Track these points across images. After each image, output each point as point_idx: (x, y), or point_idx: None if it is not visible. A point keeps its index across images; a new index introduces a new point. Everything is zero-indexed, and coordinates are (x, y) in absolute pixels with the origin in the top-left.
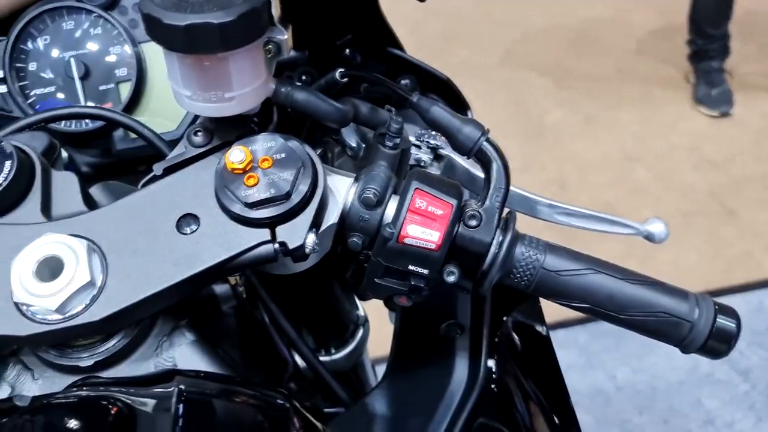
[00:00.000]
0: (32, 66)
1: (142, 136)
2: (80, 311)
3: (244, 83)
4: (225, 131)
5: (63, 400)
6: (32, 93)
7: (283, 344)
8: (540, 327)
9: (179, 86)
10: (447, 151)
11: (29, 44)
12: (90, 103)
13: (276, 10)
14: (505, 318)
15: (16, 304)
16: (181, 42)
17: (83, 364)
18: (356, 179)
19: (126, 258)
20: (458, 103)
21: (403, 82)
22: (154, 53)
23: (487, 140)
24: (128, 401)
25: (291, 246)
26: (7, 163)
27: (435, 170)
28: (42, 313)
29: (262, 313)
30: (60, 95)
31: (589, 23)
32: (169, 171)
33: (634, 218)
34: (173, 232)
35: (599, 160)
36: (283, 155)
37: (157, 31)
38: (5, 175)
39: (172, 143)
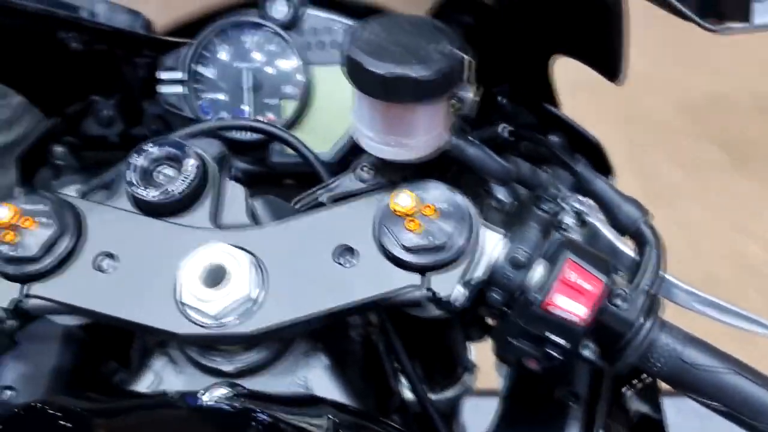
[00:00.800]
0: (209, 72)
1: (303, 157)
2: (235, 321)
3: (424, 133)
4: (392, 171)
5: (213, 405)
6: (204, 96)
7: (394, 376)
8: (654, 404)
9: (363, 126)
10: (592, 218)
11: (210, 52)
12: (255, 115)
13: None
14: (622, 390)
15: (178, 303)
16: (378, 89)
17: (225, 368)
18: (506, 237)
19: (284, 278)
20: (604, 167)
21: (551, 137)
22: (321, 76)
23: (646, 222)
24: (278, 420)
25: (440, 295)
26: (191, 169)
27: (577, 235)
28: (200, 316)
29: (378, 342)
30: (228, 102)
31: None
32: (334, 201)
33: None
34: (330, 261)
35: (710, 228)
36: (446, 206)
37: (358, 75)
38: (188, 181)
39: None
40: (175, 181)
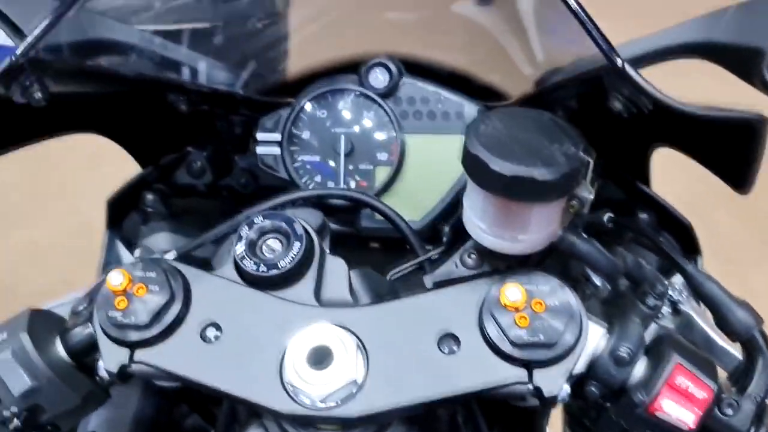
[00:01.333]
0: (305, 134)
1: (398, 229)
2: (339, 404)
3: (538, 230)
4: (498, 260)
5: None
6: (298, 158)
7: None
8: None
9: (475, 216)
10: (687, 307)
11: (307, 115)
12: (347, 179)
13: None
14: None
15: (283, 380)
16: (499, 187)
17: None
18: (609, 331)
19: (387, 362)
20: (692, 247)
21: (641, 216)
22: (414, 145)
23: (760, 331)
24: None
25: (546, 393)
26: (297, 245)
27: (668, 323)
28: (304, 396)
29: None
30: (322, 165)
31: None
32: (437, 285)
33: None
34: (433, 348)
35: None
36: (555, 302)
37: (478, 171)
38: (297, 258)
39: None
40: (284, 257)
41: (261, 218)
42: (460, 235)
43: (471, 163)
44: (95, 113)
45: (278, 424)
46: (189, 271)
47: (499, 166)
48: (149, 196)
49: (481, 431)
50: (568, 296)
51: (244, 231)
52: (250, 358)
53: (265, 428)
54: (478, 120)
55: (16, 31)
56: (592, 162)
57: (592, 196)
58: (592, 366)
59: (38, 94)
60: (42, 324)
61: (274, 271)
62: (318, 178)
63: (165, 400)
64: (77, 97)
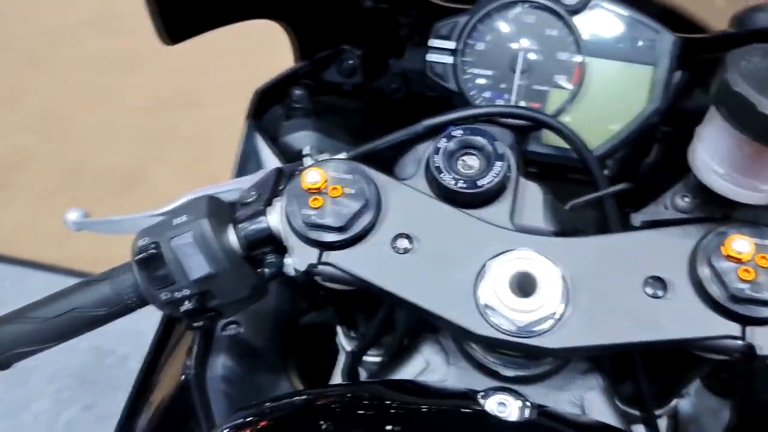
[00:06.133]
0: (480, 46)
1: (582, 158)
2: (539, 334)
3: None
4: (717, 206)
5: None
6: (470, 71)
7: None
8: None
9: (714, 160)
10: None
11: (487, 25)
12: (518, 100)
13: None
14: None
15: (478, 302)
16: (764, 133)
17: (503, 372)
18: None
19: (590, 298)
20: None
21: None
22: (598, 71)
23: None
24: None
25: (760, 352)
26: (499, 164)
27: None
28: (503, 321)
29: None
30: (493, 81)
31: None
32: (646, 226)
33: None
34: (638, 290)
35: None
36: None
37: (743, 113)
38: (499, 177)
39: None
40: (484, 175)
41: (461, 132)
42: (626, 170)
43: (732, 102)
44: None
45: (459, 345)
46: (380, 178)
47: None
48: (297, 91)
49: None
50: None
51: (443, 143)
52: (443, 274)
53: (441, 344)
54: (738, 55)
55: None
56: None
57: None
58: None
59: None
60: (217, 212)
61: (474, 189)
62: (487, 94)
63: (302, 299)
64: None
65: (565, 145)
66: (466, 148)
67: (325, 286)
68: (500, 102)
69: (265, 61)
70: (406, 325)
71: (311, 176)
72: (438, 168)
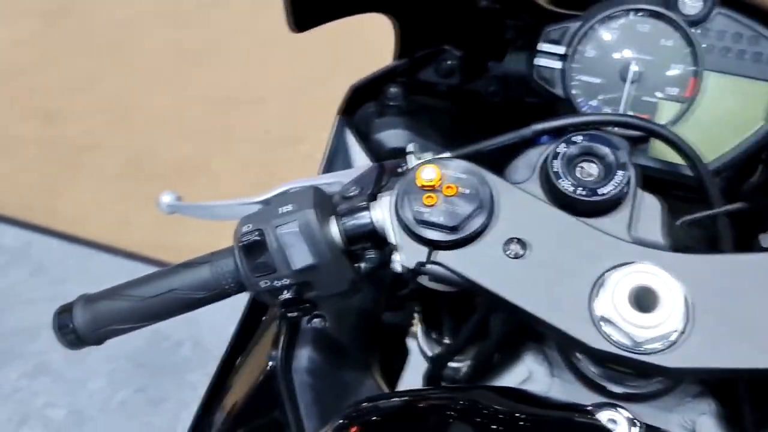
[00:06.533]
0: (591, 53)
1: (698, 174)
2: (657, 352)
3: None
4: None
5: None
6: (578, 77)
7: None
8: None
9: None
10: None
11: (599, 32)
12: (626, 110)
13: None
14: None
15: (593, 314)
16: None
17: (612, 389)
18: None
19: (712, 319)
20: None
21: None
22: (715, 85)
23: None
24: None
25: None
26: (621, 173)
27: None
28: (620, 336)
29: None
30: (601, 89)
31: None
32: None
33: None
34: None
35: None
36: None
37: None
38: (619, 186)
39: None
40: (605, 184)
41: (581, 138)
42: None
43: None
44: None
45: (565, 357)
46: (494, 180)
47: None
48: (393, 89)
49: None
50: None
51: (562, 148)
52: (558, 283)
53: (545, 354)
54: None
55: None
56: None
57: None
58: None
59: None
60: (322, 203)
61: (594, 198)
62: (594, 102)
63: (382, 297)
64: None
65: (673, 159)
66: (587, 155)
67: (420, 286)
68: (607, 111)
69: (329, 64)
70: (501, 332)
71: (427, 173)
72: (557, 173)
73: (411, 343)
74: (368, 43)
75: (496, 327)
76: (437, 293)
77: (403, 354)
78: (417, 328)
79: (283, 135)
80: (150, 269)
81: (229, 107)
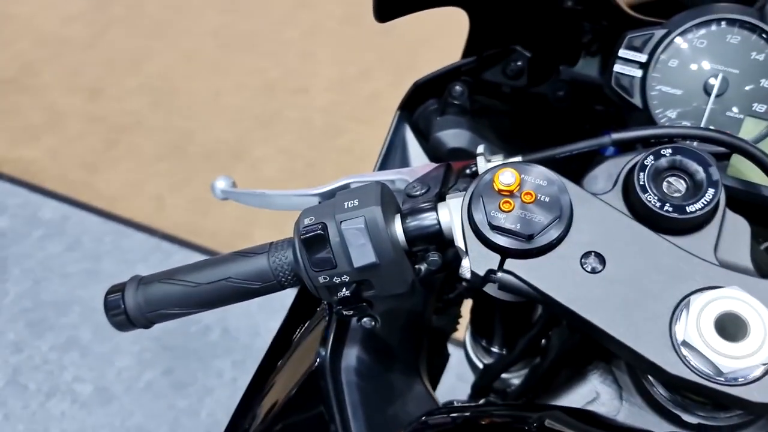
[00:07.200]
0: (673, 62)
1: None
2: (741, 383)
3: None
4: None
5: None
6: (657, 87)
7: None
8: None
9: None
10: None
11: (684, 41)
12: (707, 125)
13: None
14: None
15: (675, 339)
16: None
17: (686, 418)
18: None
19: None
20: None
21: None
22: None
23: None
24: None
25: None
26: (711, 191)
27: None
28: (702, 364)
29: None
30: (680, 102)
31: None
32: None
33: None
34: None
35: None
36: None
37: None
38: (706, 203)
39: None
40: (693, 201)
41: (671, 151)
42: None
43: None
44: None
45: (634, 379)
46: (573, 189)
47: None
48: (457, 87)
49: None
50: None
51: (650, 160)
52: (636, 302)
53: (614, 376)
54: None
55: None
56: None
57: None
58: None
59: None
60: (386, 200)
61: (681, 215)
62: (673, 114)
63: (432, 300)
64: None
65: (753, 179)
66: (675, 169)
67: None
68: (686, 124)
69: (372, 60)
70: (561, 348)
71: (506, 177)
72: (643, 186)
73: (451, 348)
74: (411, 42)
75: (555, 343)
76: (491, 301)
77: (442, 358)
78: (466, 335)
79: (324, 127)
80: (185, 252)
81: (271, 96)
